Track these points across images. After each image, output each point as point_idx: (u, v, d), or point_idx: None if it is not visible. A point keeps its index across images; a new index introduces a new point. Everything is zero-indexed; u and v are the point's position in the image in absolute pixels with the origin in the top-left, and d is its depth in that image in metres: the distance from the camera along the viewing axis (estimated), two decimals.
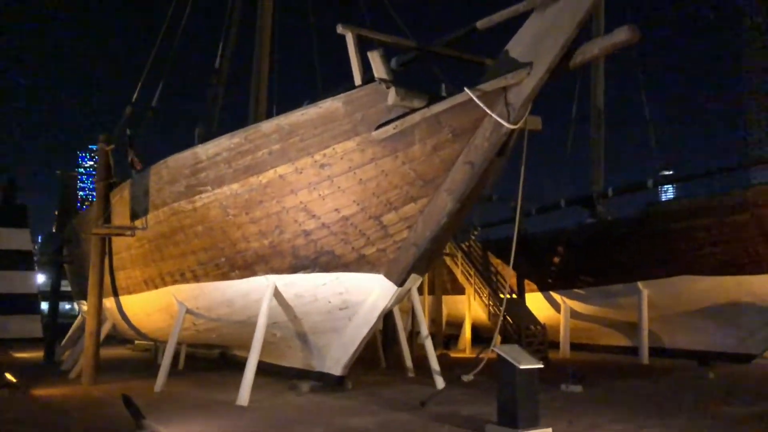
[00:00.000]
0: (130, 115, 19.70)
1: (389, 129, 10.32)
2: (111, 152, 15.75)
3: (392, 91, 9.63)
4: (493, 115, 9.53)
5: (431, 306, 25.02)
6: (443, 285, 26.70)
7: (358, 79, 10.37)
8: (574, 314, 23.99)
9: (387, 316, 17.89)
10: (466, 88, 9.50)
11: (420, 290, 20.97)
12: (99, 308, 15.16)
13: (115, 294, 17.03)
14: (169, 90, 19.15)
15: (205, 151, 12.26)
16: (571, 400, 12.35)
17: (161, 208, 13.68)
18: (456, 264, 24.87)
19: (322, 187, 11.27)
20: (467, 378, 11.47)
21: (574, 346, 23.85)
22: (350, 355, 12.75)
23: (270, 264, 12.37)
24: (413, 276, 12.46)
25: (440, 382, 13.77)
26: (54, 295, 21.65)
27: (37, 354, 21.88)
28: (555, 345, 23.17)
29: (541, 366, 9.28)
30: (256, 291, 12.74)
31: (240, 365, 15.07)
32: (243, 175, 11.84)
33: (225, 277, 13.07)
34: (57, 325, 21.75)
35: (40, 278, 32.85)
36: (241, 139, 11.69)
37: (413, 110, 10.08)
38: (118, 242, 16.11)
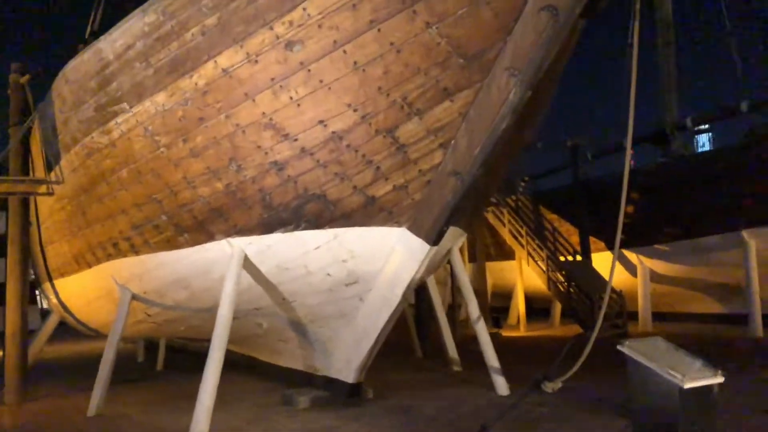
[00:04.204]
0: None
1: None
2: (28, 85, 11.46)
3: None
4: None
5: (473, 276, 20.37)
6: (486, 249, 22.18)
7: None
8: (653, 277, 19.36)
9: (419, 289, 13.51)
10: None
11: None
12: (21, 298, 10.97)
13: (50, 278, 12.81)
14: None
15: (110, 44, 7.69)
16: None
17: (73, 147, 9.26)
18: (502, 222, 20.20)
19: (293, 83, 6.70)
20: (553, 387, 6.96)
21: (655, 316, 19.30)
22: (366, 352, 8.41)
23: (231, 220, 7.96)
24: (453, 229, 7.97)
25: (503, 387, 9.30)
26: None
27: None
28: (632, 316, 18.64)
29: (722, 380, 4.74)
30: (216, 264, 8.38)
31: (236, 365, 11.70)
32: (169, 77, 7.29)
33: (171, 245, 8.67)
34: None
35: None
36: (157, 15, 7.11)
37: None
38: (43, 208, 11.84)
